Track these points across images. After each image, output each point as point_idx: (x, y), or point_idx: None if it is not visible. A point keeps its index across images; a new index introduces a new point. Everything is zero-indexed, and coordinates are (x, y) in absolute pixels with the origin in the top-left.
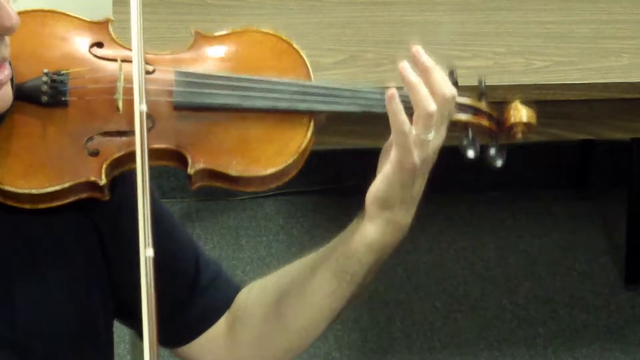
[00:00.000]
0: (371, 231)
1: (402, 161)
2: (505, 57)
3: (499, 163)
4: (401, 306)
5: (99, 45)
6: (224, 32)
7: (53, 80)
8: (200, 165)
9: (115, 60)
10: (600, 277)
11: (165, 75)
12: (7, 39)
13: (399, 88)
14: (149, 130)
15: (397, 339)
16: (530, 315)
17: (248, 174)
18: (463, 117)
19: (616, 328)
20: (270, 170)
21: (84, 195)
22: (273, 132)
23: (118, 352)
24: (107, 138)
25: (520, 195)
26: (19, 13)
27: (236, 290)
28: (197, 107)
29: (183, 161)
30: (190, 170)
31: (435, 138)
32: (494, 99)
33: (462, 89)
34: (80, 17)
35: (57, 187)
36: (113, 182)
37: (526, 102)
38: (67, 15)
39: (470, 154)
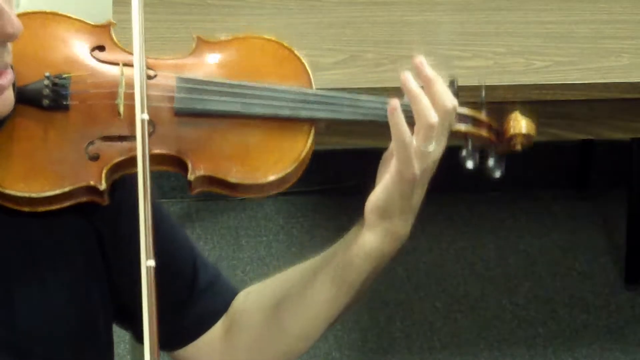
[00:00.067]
0: (370, 240)
1: (403, 172)
2: (505, 57)
3: (497, 174)
4: (401, 306)
5: (101, 48)
6: (225, 38)
7: (54, 84)
8: (201, 171)
9: (116, 64)
10: (600, 277)
11: (167, 80)
12: (9, 45)
13: (398, 92)
14: (149, 135)
15: (397, 339)
16: (530, 315)
17: (248, 181)
18: (463, 127)
19: (616, 328)
20: (270, 178)
21: (83, 199)
22: (273, 140)
23: (118, 352)
24: (107, 143)
25: (520, 195)
26: (21, 15)
27: (234, 293)
28: (198, 113)
29: (183, 167)
30: (191, 177)
31: (436, 149)
32: (494, 99)
33: (462, 89)
34: (82, 19)
35: (57, 191)
36: (113, 186)
37: (526, 113)
38: (69, 17)
39: (469, 164)
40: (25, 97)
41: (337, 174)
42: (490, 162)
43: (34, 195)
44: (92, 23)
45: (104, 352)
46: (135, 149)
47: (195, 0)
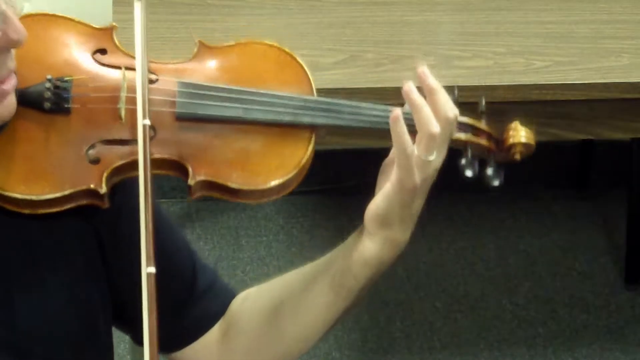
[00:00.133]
0: (369, 247)
1: (403, 181)
2: (505, 57)
3: (496, 182)
4: (401, 306)
5: (103, 51)
6: (227, 44)
7: (56, 87)
8: (201, 176)
9: (118, 67)
10: (600, 277)
11: (168, 85)
12: (12, 51)
13: (398, 92)
14: (150, 139)
15: (397, 339)
16: (530, 315)
17: (248, 187)
18: (463, 136)
19: (616, 328)
20: (271, 184)
21: (83, 202)
22: (274, 146)
23: (118, 352)
24: (108, 146)
25: (520, 195)
26: (23, 16)
27: (232, 296)
28: (200, 118)
29: (184, 171)
30: (191, 182)
31: (436, 158)
32: (494, 99)
33: (462, 89)
34: (85, 22)
35: (58, 194)
36: (113, 188)
37: (526, 124)
38: (72, 20)
39: (469, 173)
40: (27, 100)
41: (337, 174)
42: (489, 171)
43: (34, 197)
44: (95, 26)
45: (103, 352)
46: (136, 152)
47: (195, 0)
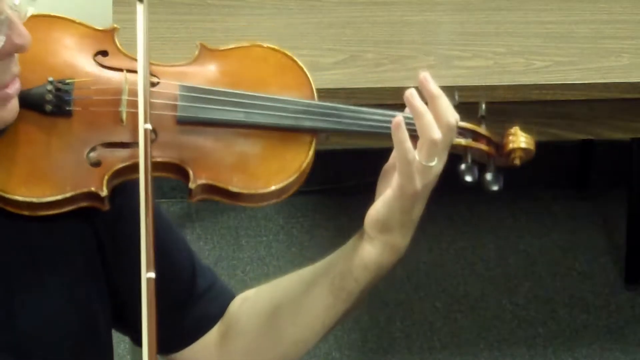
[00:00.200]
0: (369, 252)
1: (404, 187)
2: (505, 57)
3: (495, 188)
4: (401, 306)
5: (104, 53)
6: (228, 47)
7: (58, 89)
8: (202, 180)
9: (120, 70)
10: (600, 277)
11: (170, 88)
12: (16, 55)
13: (398, 92)
14: (151, 142)
15: (397, 339)
16: (530, 315)
17: (248, 191)
18: (463, 141)
19: (616, 328)
20: (272, 188)
21: (83, 204)
22: (275, 150)
23: (118, 352)
24: (109, 149)
25: (520, 195)
26: None
27: (231, 297)
28: (201, 122)
29: (184, 175)
30: (192, 185)
31: (437, 164)
32: (494, 99)
33: (462, 89)
34: (87, 23)
35: (58, 197)
36: (113, 190)
37: (526, 129)
38: (73, 21)
39: (468, 178)
40: (28, 102)
41: (337, 174)
42: (489, 176)
43: (35, 200)
44: (96, 27)
45: (103, 352)
46: (136, 155)
47: (195, 0)
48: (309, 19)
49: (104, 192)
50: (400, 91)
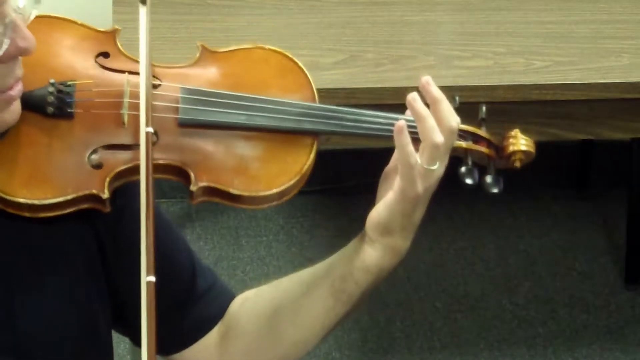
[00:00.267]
0: (370, 255)
1: (406, 191)
2: (505, 57)
3: (495, 190)
4: (401, 306)
5: (105, 55)
6: (230, 48)
7: (59, 91)
8: (203, 182)
9: (121, 71)
10: (600, 277)
11: (171, 91)
12: (20, 58)
13: (398, 92)
14: (152, 144)
15: (397, 339)
16: (530, 315)
17: (249, 193)
18: (464, 143)
19: (616, 328)
20: (272, 191)
21: (84, 206)
22: (276, 153)
23: (118, 352)
24: (110, 151)
25: (520, 195)
26: None
27: (231, 298)
28: (202, 124)
29: (185, 177)
30: (193, 187)
31: (439, 167)
32: (494, 99)
33: (462, 89)
34: (87, 24)
35: (60, 199)
36: (114, 192)
37: (526, 132)
38: (74, 22)
39: (469, 181)
40: (30, 104)
41: (337, 174)
42: (489, 178)
43: (36, 202)
44: (98, 29)
45: (103, 353)
46: (138, 157)
47: (195, 0)
48: (309, 19)
49: (106, 195)
50: (400, 91)
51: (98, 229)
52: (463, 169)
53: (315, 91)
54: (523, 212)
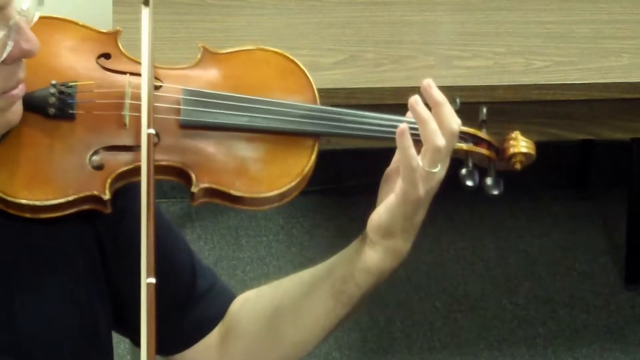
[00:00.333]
0: (371, 257)
1: (407, 193)
2: (505, 57)
3: (495, 192)
4: (401, 306)
5: (107, 56)
6: (231, 50)
7: (61, 93)
8: (204, 184)
9: (123, 73)
10: (600, 277)
11: (173, 92)
12: (24, 60)
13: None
14: (153, 146)
15: (397, 339)
16: (530, 315)
17: (250, 195)
18: (464, 146)
19: (616, 328)
20: (273, 192)
21: (85, 207)
22: (278, 154)
23: (118, 352)
24: (112, 152)
25: (520, 195)
26: None
27: (231, 298)
28: (204, 126)
29: (187, 178)
30: (194, 189)
31: (440, 170)
32: (494, 99)
33: (462, 89)
34: (89, 25)
35: (61, 200)
36: (115, 192)
37: (526, 134)
38: (76, 23)
39: (469, 183)
40: (32, 105)
41: (337, 174)
42: (489, 180)
43: (37, 203)
44: (99, 30)
45: (103, 353)
46: (139, 159)
47: (195, 0)
48: (309, 19)
49: (107, 196)
50: (400, 91)
51: (99, 230)
52: (464, 170)
53: (316, 93)
54: (523, 212)
